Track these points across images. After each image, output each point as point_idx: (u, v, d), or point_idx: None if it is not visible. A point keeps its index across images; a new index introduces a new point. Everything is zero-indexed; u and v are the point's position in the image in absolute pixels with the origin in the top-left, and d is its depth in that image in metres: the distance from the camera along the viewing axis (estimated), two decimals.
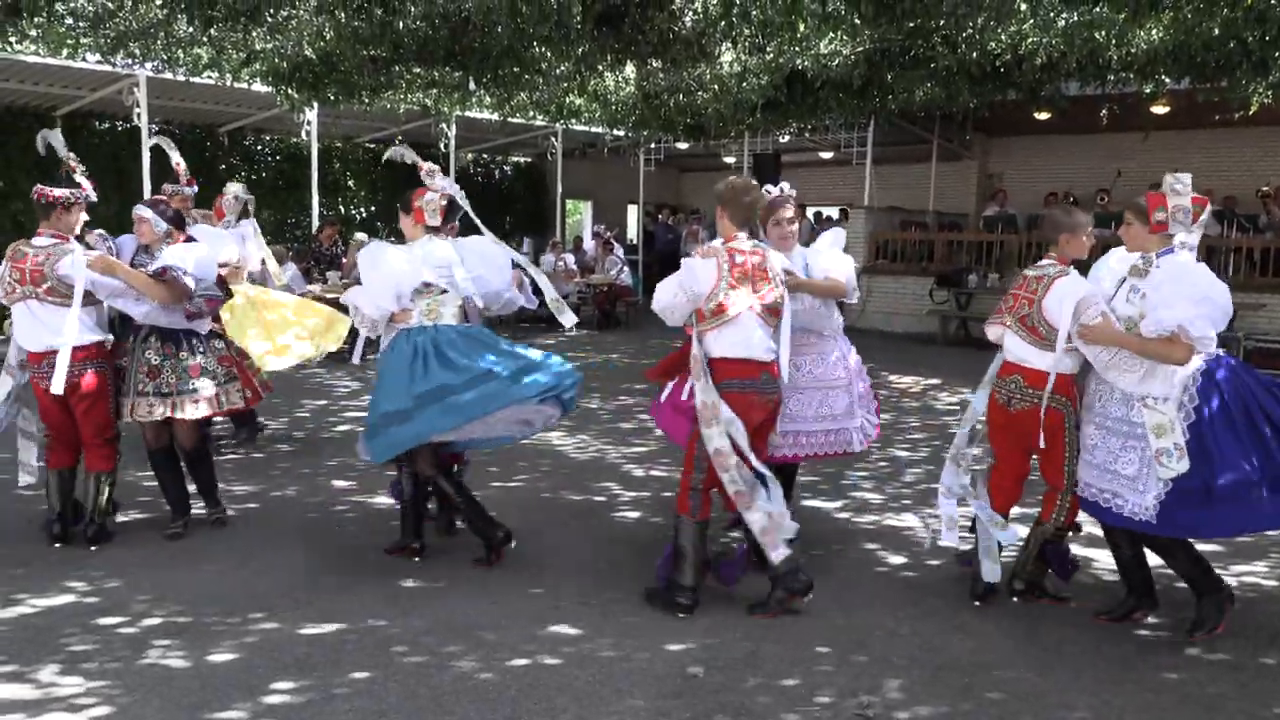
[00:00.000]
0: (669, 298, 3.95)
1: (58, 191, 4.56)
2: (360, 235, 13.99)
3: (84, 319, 4.57)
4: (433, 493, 4.77)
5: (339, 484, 5.93)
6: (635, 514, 5.46)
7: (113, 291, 4.59)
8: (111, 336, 4.86)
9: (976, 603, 4.10)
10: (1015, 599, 4.12)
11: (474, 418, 4.28)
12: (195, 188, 6.79)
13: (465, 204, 4.68)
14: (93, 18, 7.70)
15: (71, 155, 4.81)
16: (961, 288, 14.01)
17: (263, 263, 7.27)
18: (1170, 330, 3.49)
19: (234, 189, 7.02)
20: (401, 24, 7.41)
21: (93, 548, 4.64)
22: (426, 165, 4.62)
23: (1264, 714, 3.25)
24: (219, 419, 7.03)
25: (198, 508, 5.08)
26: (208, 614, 3.92)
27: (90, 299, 4.59)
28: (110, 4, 7.32)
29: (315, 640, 3.69)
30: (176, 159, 6.63)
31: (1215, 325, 3.57)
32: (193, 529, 4.99)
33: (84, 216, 4.70)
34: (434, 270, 4.40)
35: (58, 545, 4.64)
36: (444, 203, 4.47)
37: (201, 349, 4.86)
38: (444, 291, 4.41)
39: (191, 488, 5.06)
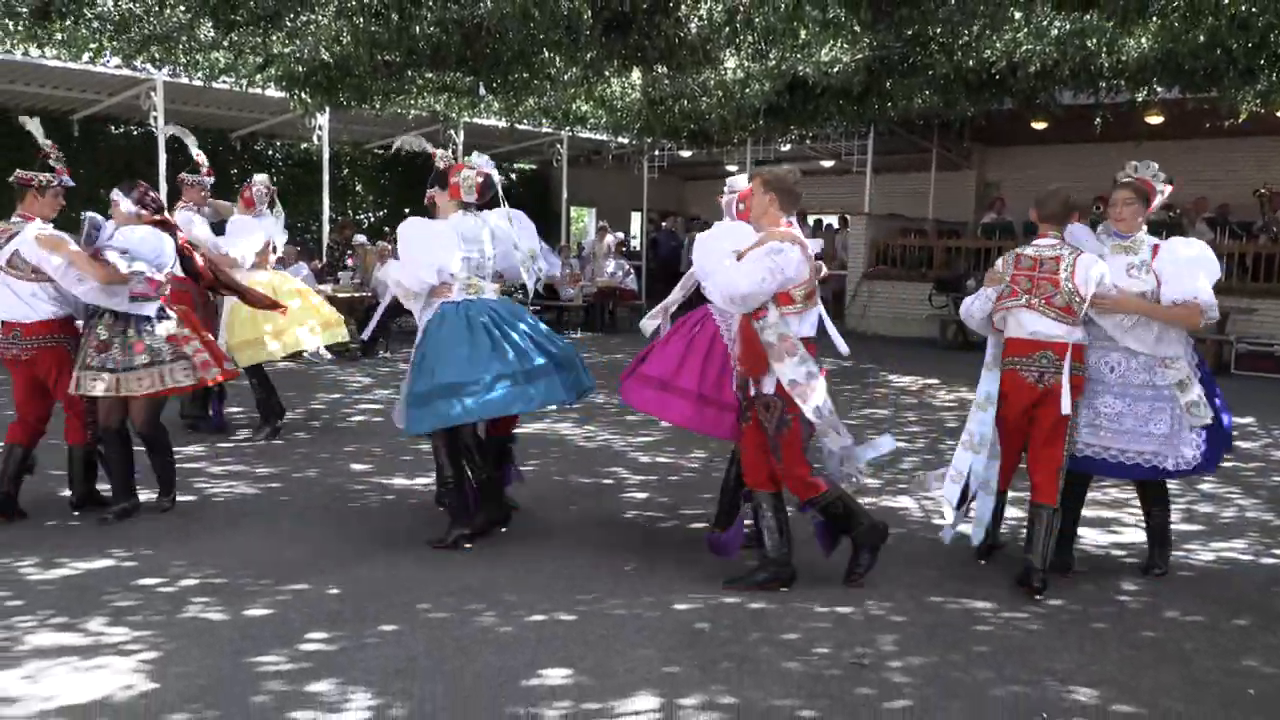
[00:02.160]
0: (758, 283, 3.77)
1: (33, 175, 4.76)
2: (360, 238, 14.31)
3: (41, 294, 4.78)
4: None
5: (357, 467, 6.16)
6: (643, 495, 5.70)
7: (56, 269, 4.69)
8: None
9: (981, 562, 4.46)
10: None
11: (534, 407, 4.59)
12: (213, 178, 7.07)
13: (498, 185, 4.76)
14: (118, 22, 7.96)
15: (49, 143, 4.89)
16: (960, 293, 14.24)
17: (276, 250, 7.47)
18: (1189, 299, 4.01)
19: (261, 179, 7.26)
20: (417, 29, 7.68)
21: (75, 513, 4.95)
22: (440, 152, 4.85)
23: (1234, 666, 3.48)
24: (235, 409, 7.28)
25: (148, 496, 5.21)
26: (240, 577, 4.14)
27: (45, 275, 4.75)
28: (136, 8, 7.58)
29: (343, 599, 3.92)
30: (195, 151, 6.91)
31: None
32: (209, 510, 5.24)
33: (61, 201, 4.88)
34: (468, 244, 4.54)
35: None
36: (480, 179, 4.63)
37: (148, 328, 4.88)
38: (479, 265, 4.58)
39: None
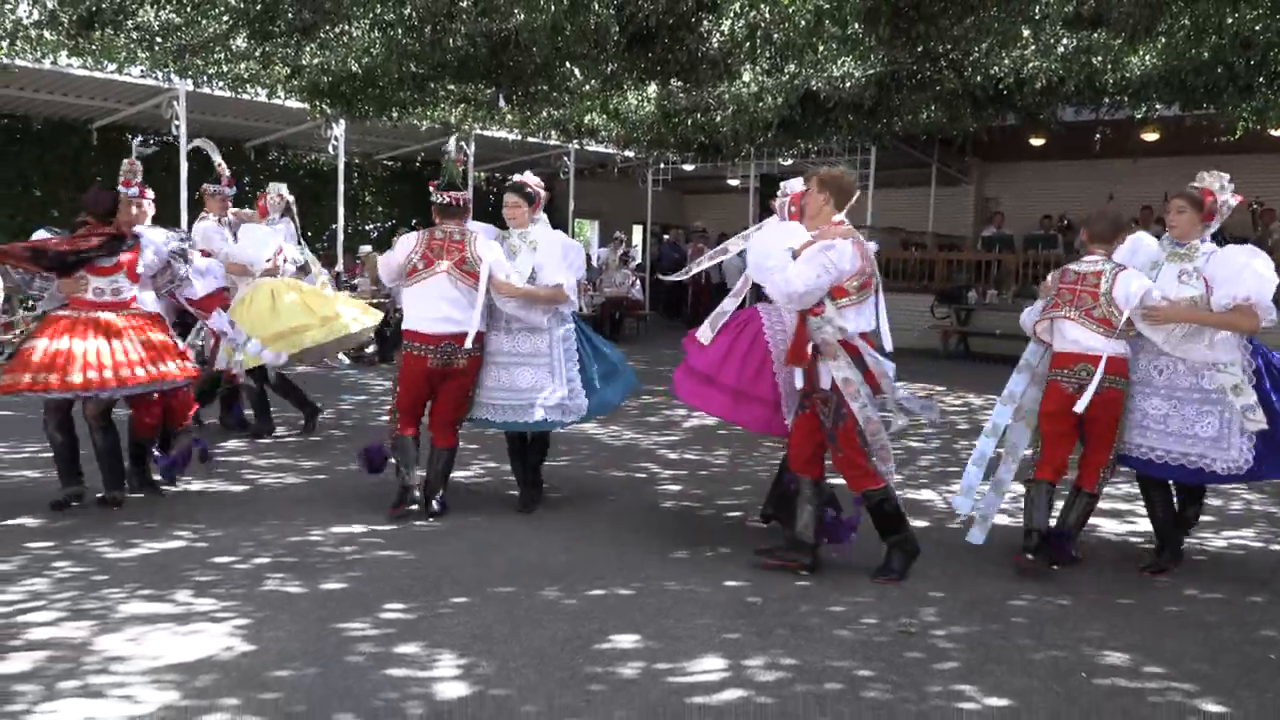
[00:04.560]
0: (814, 280, 4.00)
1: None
2: (365, 248, 14.55)
3: None
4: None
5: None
6: (677, 487, 5.93)
7: None
8: None
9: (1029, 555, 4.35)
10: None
11: None
12: (234, 189, 7.25)
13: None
14: (156, 31, 8.18)
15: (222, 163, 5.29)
16: (961, 304, 14.57)
17: (297, 262, 7.50)
18: (1241, 301, 4.04)
19: (276, 188, 7.50)
20: (449, 41, 7.92)
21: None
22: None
23: (1253, 636, 3.73)
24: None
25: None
26: (310, 555, 4.36)
27: None
28: (177, 18, 7.82)
29: (413, 575, 4.14)
30: (218, 161, 7.16)
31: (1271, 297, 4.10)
32: (264, 498, 5.46)
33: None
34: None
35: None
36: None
37: None
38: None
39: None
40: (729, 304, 4.84)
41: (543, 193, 5.29)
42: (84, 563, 4.19)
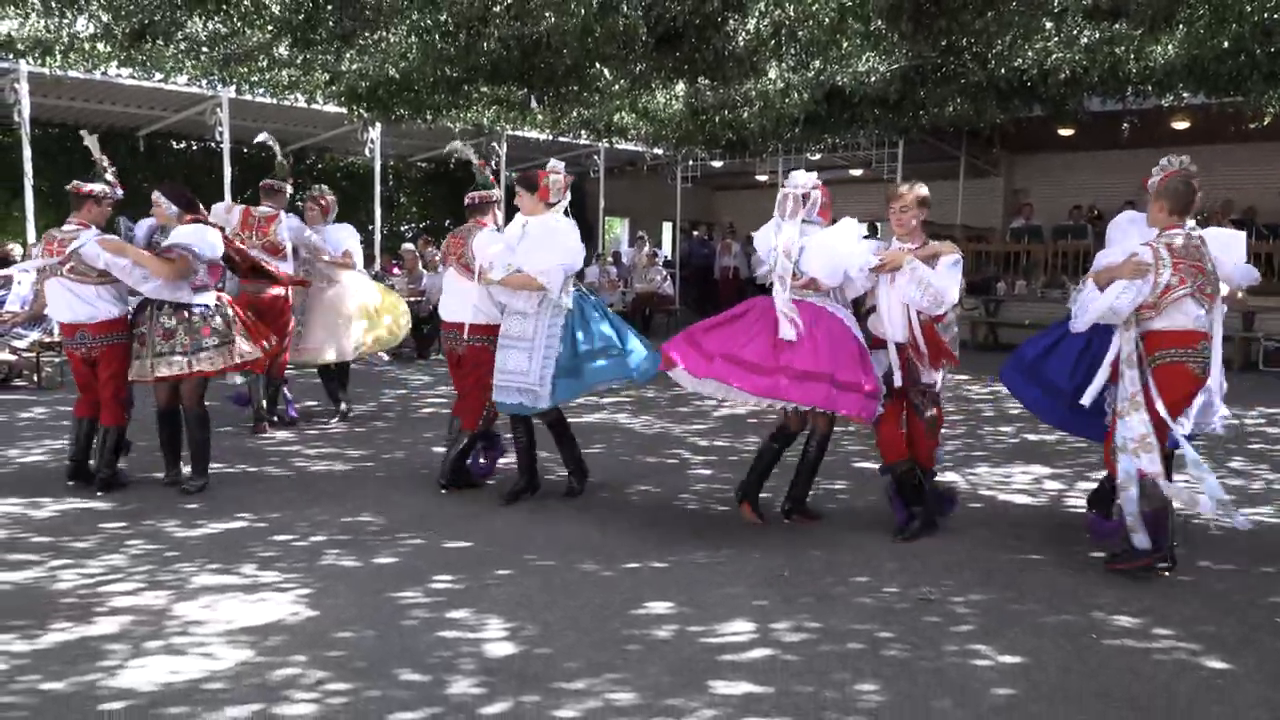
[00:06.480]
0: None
1: (92, 186, 5.31)
2: (407, 245, 14.91)
3: (106, 295, 5.27)
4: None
5: (440, 450, 6.63)
6: (708, 471, 6.15)
7: (123, 269, 5.18)
8: (130, 310, 5.43)
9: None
10: None
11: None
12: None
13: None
14: (203, 41, 8.54)
15: (104, 158, 5.48)
16: (990, 295, 14.65)
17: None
18: None
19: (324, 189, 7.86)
20: (484, 45, 8.20)
21: (99, 493, 5.25)
22: (481, 161, 5.75)
23: (1261, 602, 3.89)
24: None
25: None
26: (362, 535, 4.64)
27: (109, 276, 5.24)
28: (223, 29, 8.16)
29: (458, 551, 4.40)
30: (280, 160, 7.59)
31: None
32: (316, 483, 5.75)
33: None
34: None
35: (71, 483, 5.40)
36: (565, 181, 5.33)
37: (210, 313, 5.39)
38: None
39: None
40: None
41: (552, 179, 5.27)
42: (155, 541, 4.50)
